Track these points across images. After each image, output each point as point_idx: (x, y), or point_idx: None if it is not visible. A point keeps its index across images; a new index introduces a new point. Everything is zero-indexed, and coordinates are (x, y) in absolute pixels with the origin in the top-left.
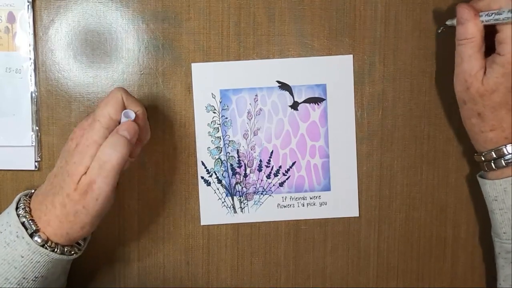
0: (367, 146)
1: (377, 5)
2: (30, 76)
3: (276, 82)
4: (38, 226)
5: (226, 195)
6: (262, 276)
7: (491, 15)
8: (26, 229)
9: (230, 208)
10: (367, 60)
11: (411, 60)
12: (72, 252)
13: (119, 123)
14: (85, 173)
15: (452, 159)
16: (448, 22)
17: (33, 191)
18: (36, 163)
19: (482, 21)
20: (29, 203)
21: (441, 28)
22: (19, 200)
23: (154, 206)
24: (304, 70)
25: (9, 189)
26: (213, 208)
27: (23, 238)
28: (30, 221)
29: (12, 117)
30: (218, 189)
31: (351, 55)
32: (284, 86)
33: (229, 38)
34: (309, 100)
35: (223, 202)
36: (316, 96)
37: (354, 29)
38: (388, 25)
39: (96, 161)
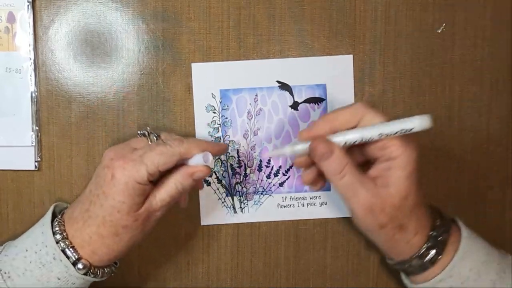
0: None
1: (377, 5)
2: (30, 76)
3: (276, 82)
4: (80, 254)
5: (226, 195)
6: (262, 276)
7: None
8: (67, 256)
9: (230, 208)
10: (367, 60)
11: (411, 60)
12: (111, 272)
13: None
14: (144, 201)
15: (452, 159)
16: (298, 147)
17: (64, 205)
18: (36, 163)
19: (345, 143)
20: (64, 226)
21: (441, 28)
22: (53, 220)
23: None
24: (304, 70)
25: (9, 189)
26: (213, 208)
27: (61, 260)
28: (71, 249)
29: (12, 117)
30: (218, 189)
31: (351, 55)
32: (284, 86)
33: (229, 38)
34: (309, 100)
35: (223, 202)
36: (316, 96)
37: (354, 29)
38: (388, 25)
39: (167, 195)
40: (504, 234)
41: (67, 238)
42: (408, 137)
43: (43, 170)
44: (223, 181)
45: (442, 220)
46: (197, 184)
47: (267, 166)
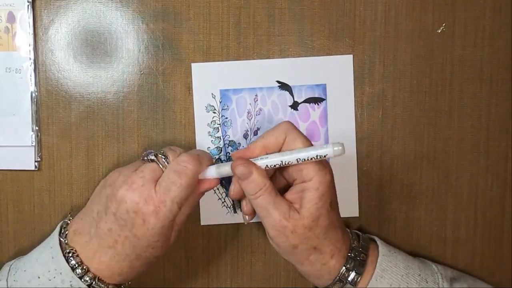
0: (367, 146)
1: (377, 5)
2: (30, 76)
3: (276, 82)
4: (103, 281)
5: (226, 195)
6: (262, 276)
7: (276, 157)
8: (83, 279)
9: (230, 208)
10: (367, 60)
11: (411, 60)
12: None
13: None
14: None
15: (452, 159)
16: (225, 168)
17: (68, 221)
18: (36, 163)
19: (267, 165)
20: (76, 251)
21: (441, 28)
22: (61, 246)
23: None
24: (304, 70)
25: (9, 189)
26: (213, 208)
27: None
28: (93, 279)
29: (12, 117)
30: (218, 189)
31: (351, 55)
32: (284, 86)
33: (229, 38)
34: (309, 100)
35: (223, 202)
36: (316, 96)
37: (354, 29)
38: (388, 25)
39: (181, 217)
40: (504, 234)
41: (83, 263)
42: (322, 161)
43: (43, 170)
44: (223, 181)
45: (359, 241)
46: None
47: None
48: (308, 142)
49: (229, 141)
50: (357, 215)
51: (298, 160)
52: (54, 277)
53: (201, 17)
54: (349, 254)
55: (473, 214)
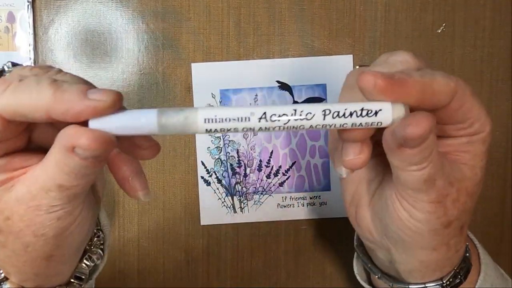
0: None
1: (377, 5)
2: None
3: (276, 82)
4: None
5: (226, 195)
6: (262, 276)
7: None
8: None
9: (230, 208)
10: (367, 60)
11: None
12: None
13: None
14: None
15: None
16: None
17: None
18: None
19: None
20: None
21: (441, 28)
22: None
23: (154, 206)
24: (304, 70)
25: None
26: (213, 208)
27: None
28: None
29: None
30: (218, 189)
31: (351, 55)
32: (284, 86)
33: (229, 38)
34: (309, 100)
35: (223, 202)
36: (316, 96)
37: (354, 29)
38: (388, 25)
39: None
40: (504, 234)
41: None
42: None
43: None
44: (223, 181)
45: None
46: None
47: (267, 166)
48: None
49: (229, 141)
50: None
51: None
52: None
53: (201, 17)
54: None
55: (473, 214)
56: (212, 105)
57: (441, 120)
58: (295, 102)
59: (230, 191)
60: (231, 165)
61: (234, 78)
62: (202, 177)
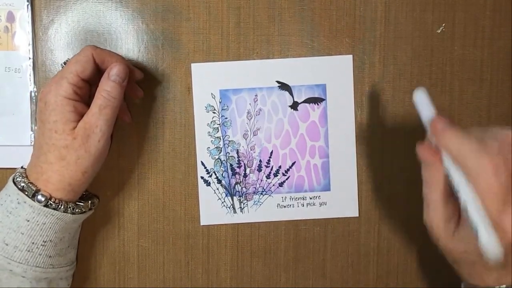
0: (367, 146)
1: (377, 5)
2: (30, 75)
3: (276, 82)
4: (37, 187)
5: (226, 195)
6: (262, 276)
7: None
8: (26, 193)
9: (230, 208)
10: (367, 60)
11: (411, 60)
12: (77, 210)
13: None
14: (79, 120)
15: None
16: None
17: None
18: None
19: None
20: (25, 171)
21: (441, 28)
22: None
23: (154, 206)
24: (304, 70)
25: None
26: (213, 208)
27: (25, 202)
28: (29, 184)
29: (12, 116)
30: (217, 189)
31: (351, 55)
32: (284, 86)
33: (229, 38)
34: (309, 100)
35: (223, 202)
36: (316, 96)
37: (354, 29)
38: (388, 25)
39: (95, 106)
40: None
41: (26, 177)
42: None
43: None
44: (223, 181)
45: None
46: (132, 94)
47: (266, 166)
48: None
49: (229, 141)
50: (357, 215)
51: None
52: (5, 201)
53: (201, 17)
54: None
55: None
56: (212, 105)
57: None
58: (295, 102)
59: (230, 191)
60: (231, 165)
61: (234, 78)
62: (202, 177)
